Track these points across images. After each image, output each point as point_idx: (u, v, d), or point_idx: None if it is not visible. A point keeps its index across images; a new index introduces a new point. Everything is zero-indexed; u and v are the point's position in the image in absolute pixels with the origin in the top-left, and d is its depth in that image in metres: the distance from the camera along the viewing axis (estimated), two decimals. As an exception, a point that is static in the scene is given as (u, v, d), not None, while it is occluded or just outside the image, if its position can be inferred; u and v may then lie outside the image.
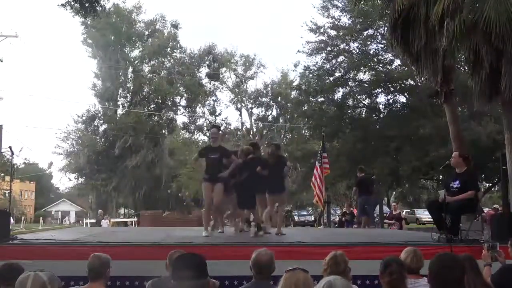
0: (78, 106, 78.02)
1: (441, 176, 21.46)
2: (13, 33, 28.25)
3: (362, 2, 15.90)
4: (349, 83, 26.28)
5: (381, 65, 25.77)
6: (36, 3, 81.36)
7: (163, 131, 43.24)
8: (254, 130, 44.95)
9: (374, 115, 27.03)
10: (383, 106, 26.72)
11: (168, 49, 43.75)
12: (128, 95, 43.20)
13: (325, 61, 25.78)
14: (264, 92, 44.33)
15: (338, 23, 25.30)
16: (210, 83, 45.11)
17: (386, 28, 16.45)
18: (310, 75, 26.28)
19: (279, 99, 43.04)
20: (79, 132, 42.10)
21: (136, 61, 43.54)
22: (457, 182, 6.81)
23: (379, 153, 22.73)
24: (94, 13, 14.24)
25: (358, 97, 26.84)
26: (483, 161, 19.53)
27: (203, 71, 45.39)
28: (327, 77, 25.69)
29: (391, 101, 26.27)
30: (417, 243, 6.18)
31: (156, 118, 43.18)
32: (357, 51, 25.74)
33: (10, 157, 8.93)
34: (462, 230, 6.70)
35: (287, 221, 27.39)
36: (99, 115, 42.75)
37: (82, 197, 51.55)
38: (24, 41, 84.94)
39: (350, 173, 21.75)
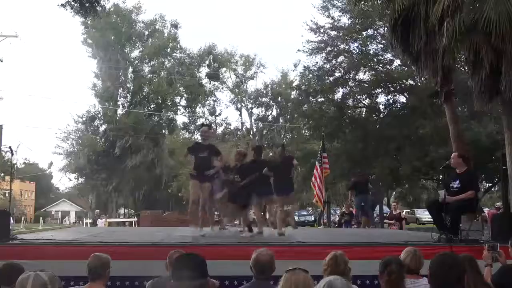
0: (78, 106, 78.24)
1: (441, 176, 21.44)
2: (13, 33, 28.40)
3: (362, 2, 15.89)
4: (349, 83, 26.23)
5: (381, 65, 25.70)
6: (36, 3, 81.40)
7: (163, 131, 43.31)
8: (254, 130, 44.93)
9: (374, 115, 26.97)
10: (383, 106, 26.66)
11: (168, 49, 43.78)
12: (128, 95, 43.24)
13: (325, 61, 25.73)
14: (264, 92, 44.31)
15: (338, 24, 25.28)
16: (210, 83, 45.15)
17: (386, 28, 16.43)
18: (310, 75, 26.24)
19: (279, 99, 43.00)
20: (79, 132, 42.14)
21: (136, 61, 43.57)
22: (457, 182, 6.82)
23: (379, 153, 22.68)
24: (94, 13, 14.27)
25: (358, 97, 26.76)
26: (483, 161, 19.49)
27: (203, 71, 45.51)
28: (327, 77, 25.65)
29: (391, 101, 26.21)
30: (417, 243, 6.19)
31: (156, 118, 43.22)
32: (357, 51, 25.70)
33: (10, 157, 8.95)
34: (462, 230, 6.70)
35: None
36: (99, 115, 42.78)
37: (82, 197, 51.54)
38: (24, 41, 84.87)
39: (350, 173, 21.73)
